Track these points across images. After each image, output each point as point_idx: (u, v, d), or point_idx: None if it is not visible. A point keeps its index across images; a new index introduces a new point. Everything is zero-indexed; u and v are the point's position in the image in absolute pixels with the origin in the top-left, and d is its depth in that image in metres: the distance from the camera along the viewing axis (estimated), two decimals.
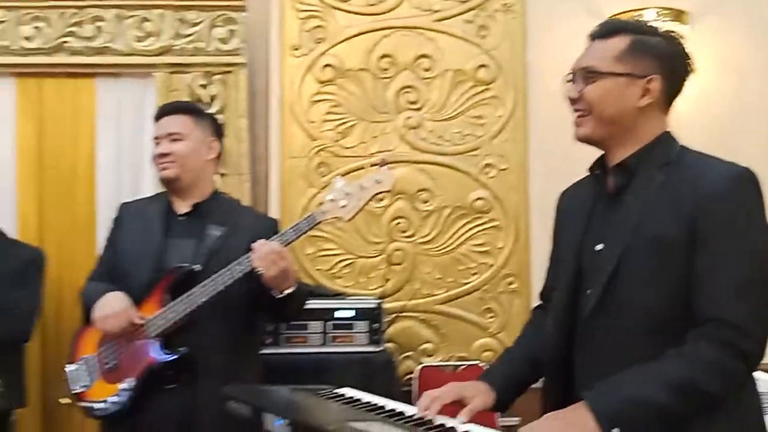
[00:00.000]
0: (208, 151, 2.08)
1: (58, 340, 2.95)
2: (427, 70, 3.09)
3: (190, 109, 2.16)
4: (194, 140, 2.04)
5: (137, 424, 1.89)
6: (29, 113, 3.03)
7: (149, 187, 2.90)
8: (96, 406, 1.91)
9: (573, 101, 1.38)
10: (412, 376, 2.93)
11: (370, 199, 1.93)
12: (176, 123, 2.05)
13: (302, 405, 1.37)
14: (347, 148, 3.08)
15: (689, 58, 1.38)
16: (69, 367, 1.99)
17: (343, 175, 3.03)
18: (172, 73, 3.01)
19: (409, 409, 1.36)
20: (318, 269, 3.05)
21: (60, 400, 2.03)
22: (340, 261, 3.06)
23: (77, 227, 3.02)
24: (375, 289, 3.00)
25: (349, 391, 1.52)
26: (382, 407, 1.38)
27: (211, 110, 2.89)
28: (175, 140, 2.02)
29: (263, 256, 1.81)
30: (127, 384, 1.90)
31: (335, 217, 1.93)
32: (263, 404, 1.32)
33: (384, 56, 3.09)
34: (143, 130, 3.02)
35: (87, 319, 1.99)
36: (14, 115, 3.04)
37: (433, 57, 3.09)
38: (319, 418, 1.19)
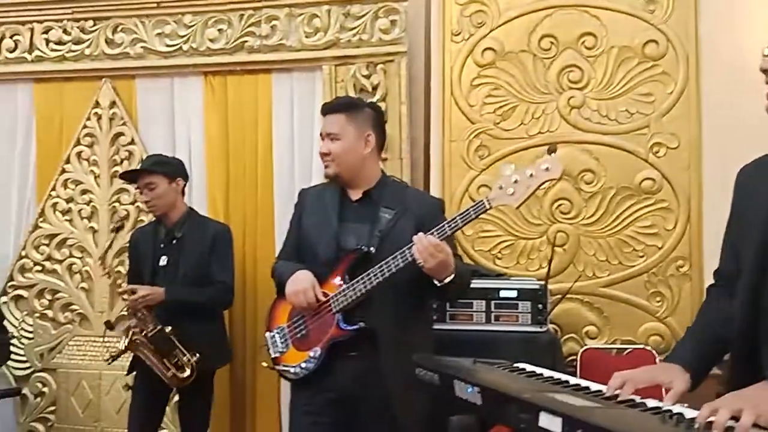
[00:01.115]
0: (365, 146, 2.18)
1: (244, 310, 3.27)
2: (590, 48, 3.03)
3: (344, 107, 2.24)
4: (349, 139, 2.16)
5: (324, 385, 2.10)
6: (215, 107, 3.37)
7: (318, 172, 3.10)
8: (291, 369, 2.14)
9: None
10: (574, 357, 2.93)
11: (538, 187, 1.92)
12: (332, 123, 2.19)
13: (491, 375, 1.44)
14: (507, 130, 3.10)
15: None
16: (267, 334, 2.24)
17: (502, 158, 3.07)
18: (338, 65, 3.19)
19: (591, 385, 1.38)
20: (478, 250, 3.12)
21: (262, 363, 2.28)
22: (501, 242, 3.10)
23: (257, 209, 3.31)
24: (536, 270, 3.01)
25: (527, 366, 1.57)
26: (566, 381, 1.41)
27: (374, 99, 3.04)
28: (333, 140, 2.17)
29: (422, 249, 1.91)
30: (313, 353, 2.10)
31: (503, 205, 1.96)
32: (453, 372, 1.40)
33: (545, 36, 3.07)
34: (313, 120, 3.24)
35: (280, 293, 2.21)
36: (202, 110, 3.39)
37: (596, 34, 3.02)
38: (512, 388, 1.25)
